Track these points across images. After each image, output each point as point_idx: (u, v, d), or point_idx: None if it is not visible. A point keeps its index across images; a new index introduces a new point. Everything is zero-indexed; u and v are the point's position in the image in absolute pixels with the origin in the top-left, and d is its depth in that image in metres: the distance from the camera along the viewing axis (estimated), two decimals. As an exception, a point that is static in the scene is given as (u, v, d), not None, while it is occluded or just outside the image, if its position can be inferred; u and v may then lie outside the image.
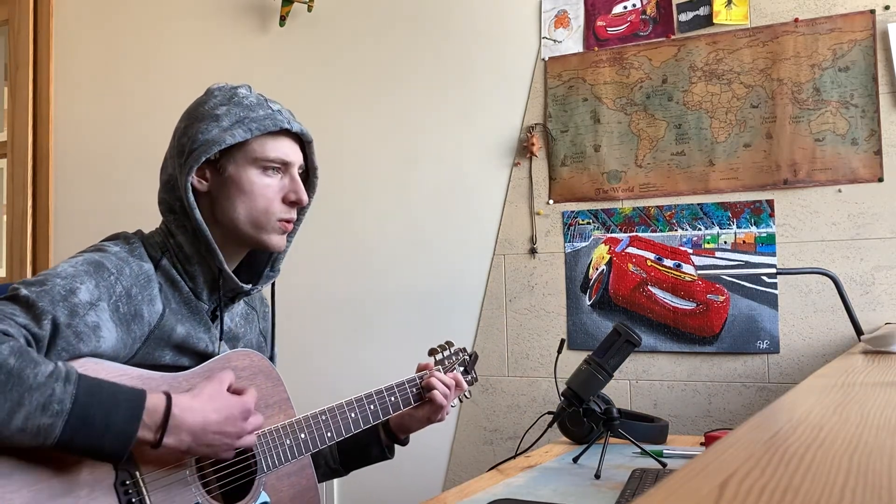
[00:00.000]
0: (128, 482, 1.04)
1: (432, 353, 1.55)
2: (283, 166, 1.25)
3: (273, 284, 1.38)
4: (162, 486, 1.08)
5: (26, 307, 1.01)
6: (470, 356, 1.62)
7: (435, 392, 1.43)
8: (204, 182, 1.23)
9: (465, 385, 1.51)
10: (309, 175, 1.33)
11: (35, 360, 0.94)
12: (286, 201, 1.25)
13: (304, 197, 1.26)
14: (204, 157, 1.19)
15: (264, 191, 1.23)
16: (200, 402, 1.06)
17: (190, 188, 1.20)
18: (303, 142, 1.29)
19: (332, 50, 2.65)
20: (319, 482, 1.52)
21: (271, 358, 1.43)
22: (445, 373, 1.51)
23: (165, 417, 1.01)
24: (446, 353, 1.57)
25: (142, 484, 1.04)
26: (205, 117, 1.22)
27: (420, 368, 1.51)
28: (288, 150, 1.25)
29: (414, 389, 1.46)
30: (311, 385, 2.54)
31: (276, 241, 1.26)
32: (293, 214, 1.27)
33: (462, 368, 1.59)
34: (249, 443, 1.14)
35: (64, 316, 1.02)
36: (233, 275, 1.24)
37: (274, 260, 1.34)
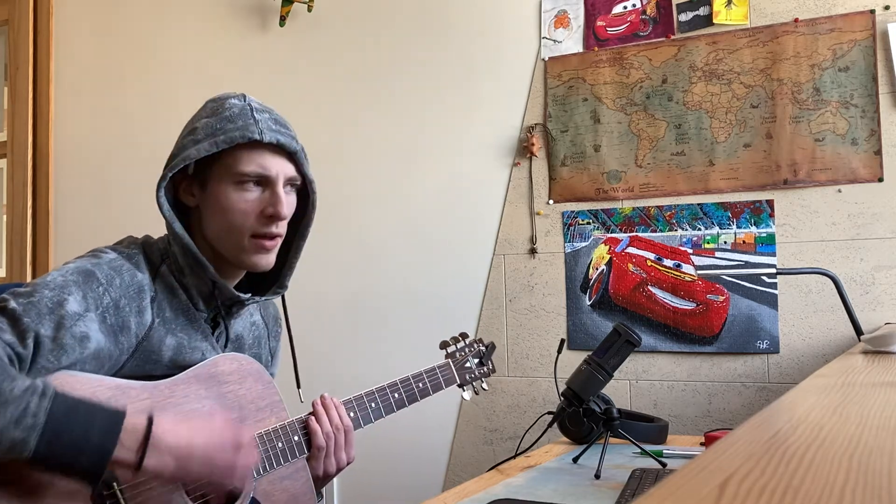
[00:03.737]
0: (104, 493, 1.02)
1: (444, 345, 1.56)
2: (263, 180, 1.17)
3: (283, 300, 1.35)
4: (142, 492, 1.05)
5: (13, 322, 1.00)
6: (486, 346, 1.62)
7: (317, 435, 1.29)
8: (191, 197, 1.22)
9: (352, 433, 1.34)
10: (306, 188, 1.25)
11: (12, 375, 0.92)
12: (264, 215, 1.17)
13: (282, 210, 1.17)
14: (170, 174, 1.18)
15: (240, 205, 1.16)
16: (186, 426, 1.02)
17: (165, 202, 1.19)
18: (290, 153, 1.20)
19: (332, 50, 2.65)
20: None
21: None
22: (458, 365, 1.52)
23: (146, 437, 0.96)
24: (459, 345, 1.57)
25: (119, 494, 1.02)
26: (187, 131, 1.21)
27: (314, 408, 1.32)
28: (267, 163, 1.16)
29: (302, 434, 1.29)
30: (308, 386, 2.54)
31: (256, 260, 1.19)
32: (271, 229, 1.18)
33: (477, 360, 1.59)
34: (242, 481, 1.08)
35: (49, 330, 1.02)
36: (227, 284, 1.21)
37: (283, 275, 1.29)
